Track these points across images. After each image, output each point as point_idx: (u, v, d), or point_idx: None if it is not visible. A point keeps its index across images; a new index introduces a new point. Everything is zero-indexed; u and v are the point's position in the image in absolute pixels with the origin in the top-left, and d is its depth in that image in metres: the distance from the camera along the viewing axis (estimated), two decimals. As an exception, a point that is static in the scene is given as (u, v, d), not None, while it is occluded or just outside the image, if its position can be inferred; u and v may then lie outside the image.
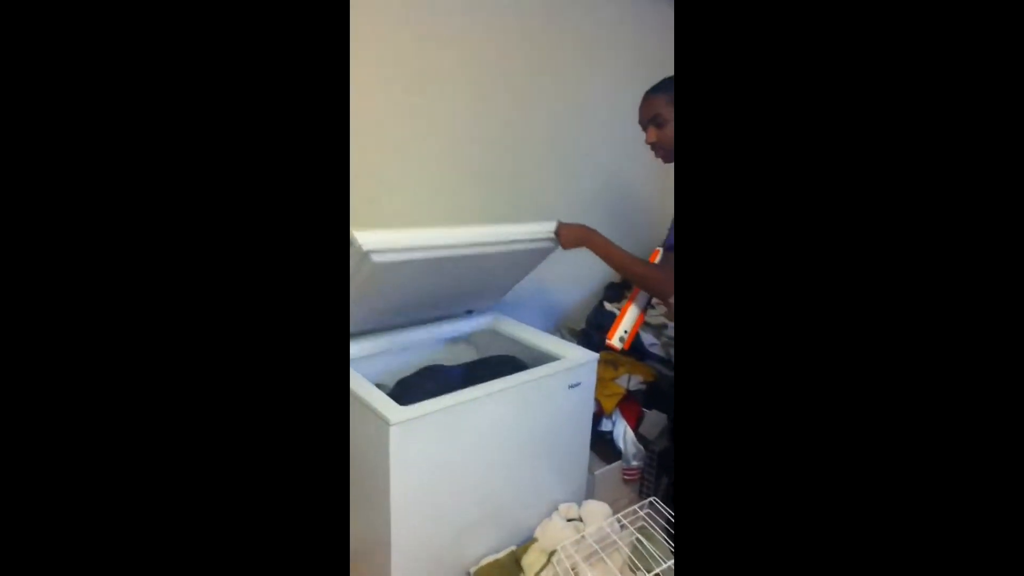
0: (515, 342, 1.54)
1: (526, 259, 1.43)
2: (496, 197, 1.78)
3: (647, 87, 1.30)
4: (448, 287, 1.42)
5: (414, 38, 1.46)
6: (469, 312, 1.66)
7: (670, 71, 1.35)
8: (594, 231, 1.33)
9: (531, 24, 1.67)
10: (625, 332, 1.34)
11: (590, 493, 1.52)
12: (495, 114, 1.68)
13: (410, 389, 1.29)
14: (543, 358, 1.42)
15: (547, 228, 1.34)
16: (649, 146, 1.33)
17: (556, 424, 1.33)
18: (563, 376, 1.30)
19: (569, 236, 1.33)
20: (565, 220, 1.36)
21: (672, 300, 1.29)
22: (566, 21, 1.74)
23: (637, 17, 1.92)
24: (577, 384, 1.33)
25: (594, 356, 1.37)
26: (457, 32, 1.53)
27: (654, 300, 1.43)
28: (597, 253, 1.32)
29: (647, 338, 1.80)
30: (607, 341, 1.37)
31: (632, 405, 1.73)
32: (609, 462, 1.67)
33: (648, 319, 1.86)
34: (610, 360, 1.77)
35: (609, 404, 1.68)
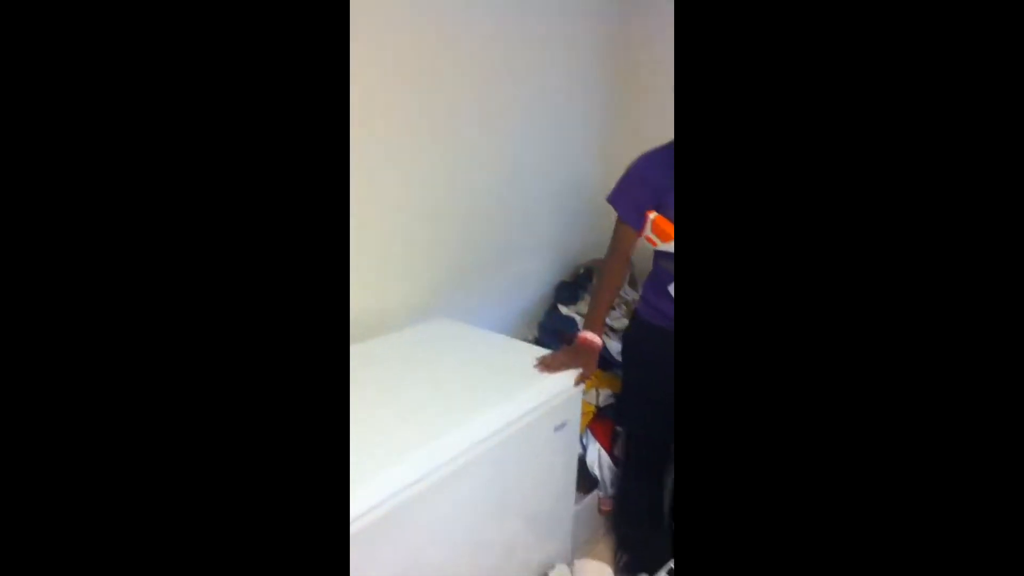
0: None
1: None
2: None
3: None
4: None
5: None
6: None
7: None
8: (588, 334, 1.19)
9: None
10: None
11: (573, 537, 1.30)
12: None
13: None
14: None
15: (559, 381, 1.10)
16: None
17: (540, 476, 1.08)
18: (547, 418, 1.05)
19: (591, 361, 1.16)
20: None
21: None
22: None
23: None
24: (563, 425, 1.09)
25: (578, 385, 1.13)
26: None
27: (615, 301, 1.26)
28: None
29: (613, 346, 1.59)
30: None
31: (604, 423, 1.53)
32: (582, 492, 1.46)
33: (611, 322, 1.66)
34: (575, 374, 1.55)
35: (580, 425, 1.46)
